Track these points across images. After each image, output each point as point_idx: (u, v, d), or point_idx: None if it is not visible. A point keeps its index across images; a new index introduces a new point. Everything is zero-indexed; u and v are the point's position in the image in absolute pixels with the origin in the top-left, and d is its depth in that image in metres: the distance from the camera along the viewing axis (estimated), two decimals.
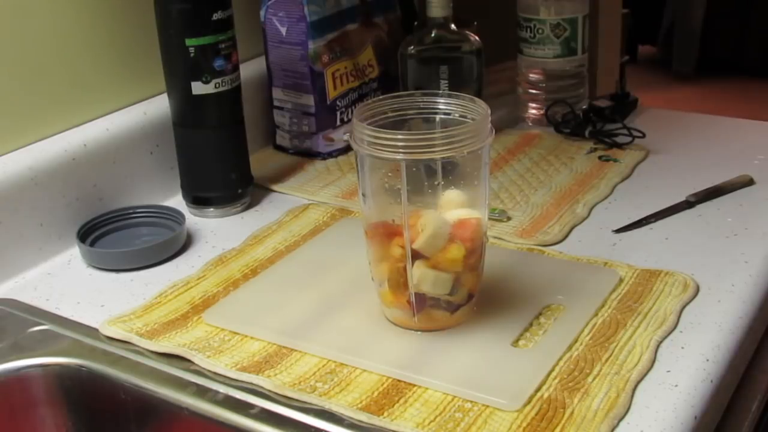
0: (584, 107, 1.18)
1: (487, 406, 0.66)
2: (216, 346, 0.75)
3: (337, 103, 1.11)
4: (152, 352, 0.75)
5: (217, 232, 0.96)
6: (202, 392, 0.71)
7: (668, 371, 0.70)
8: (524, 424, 0.64)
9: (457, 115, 0.75)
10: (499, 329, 0.74)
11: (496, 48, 1.19)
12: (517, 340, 0.74)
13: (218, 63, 0.94)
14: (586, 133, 1.12)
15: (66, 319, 0.81)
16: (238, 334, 0.77)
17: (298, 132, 1.12)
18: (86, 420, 0.78)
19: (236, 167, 1.00)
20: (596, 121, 1.14)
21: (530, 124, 1.20)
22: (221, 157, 0.98)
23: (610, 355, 0.71)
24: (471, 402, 0.67)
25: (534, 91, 1.20)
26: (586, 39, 1.17)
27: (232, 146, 0.99)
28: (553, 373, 0.70)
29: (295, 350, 0.74)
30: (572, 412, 0.65)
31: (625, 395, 0.67)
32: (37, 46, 0.91)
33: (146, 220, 0.96)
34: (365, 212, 0.75)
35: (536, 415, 0.65)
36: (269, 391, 0.70)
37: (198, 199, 0.99)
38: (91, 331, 0.79)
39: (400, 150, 0.68)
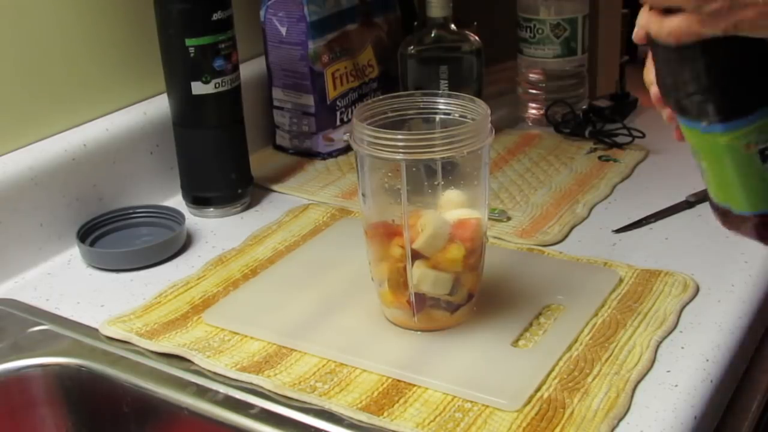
0: (584, 107, 1.18)
1: (487, 406, 0.66)
2: (216, 346, 0.75)
3: (337, 103, 1.11)
4: (152, 352, 0.75)
5: (217, 232, 0.96)
6: (202, 392, 0.71)
7: (668, 371, 0.70)
8: (524, 424, 0.64)
9: (457, 115, 0.75)
10: (499, 329, 0.74)
11: (496, 48, 1.19)
12: (517, 340, 0.74)
13: (218, 63, 0.94)
14: (586, 133, 1.12)
15: (66, 319, 0.81)
16: (238, 334, 0.77)
17: (298, 132, 1.12)
18: (86, 420, 0.78)
19: (236, 167, 1.00)
20: (596, 121, 1.14)
21: (530, 124, 1.20)
22: (221, 157, 0.98)
23: (610, 355, 0.71)
24: (471, 402, 0.67)
25: (534, 91, 1.20)
26: (586, 39, 1.17)
27: (232, 146, 0.99)
28: (553, 373, 0.70)
29: (295, 350, 0.74)
30: (572, 412, 0.65)
31: (625, 395, 0.67)
32: (37, 46, 0.91)
33: (146, 220, 0.96)
34: (365, 212, 0.75)
35: (536, 415, 0.65)
36: (269, 391, 0.70)
37: (198, 199, 0.99)
38: (91, 331, 0.79)
39: (400, 150, 0.68)
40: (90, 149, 0.94)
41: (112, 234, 0.94)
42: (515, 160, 1.09)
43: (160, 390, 0.72)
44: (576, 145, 1.12)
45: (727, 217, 0.66)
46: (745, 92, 0.59)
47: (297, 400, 0.68)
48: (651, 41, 0.61)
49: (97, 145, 0.95)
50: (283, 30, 1.08)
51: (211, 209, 0.99)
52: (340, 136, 1.12)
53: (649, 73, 0.64)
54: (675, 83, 0.61)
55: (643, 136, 1.10)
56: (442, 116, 0.75)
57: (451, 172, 0.72)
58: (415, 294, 0.73)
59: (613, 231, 0.91)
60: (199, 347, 0.75)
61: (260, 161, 1.10)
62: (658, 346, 0.72)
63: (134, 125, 0.99)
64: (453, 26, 1.08)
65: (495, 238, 0.90)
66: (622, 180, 1.03)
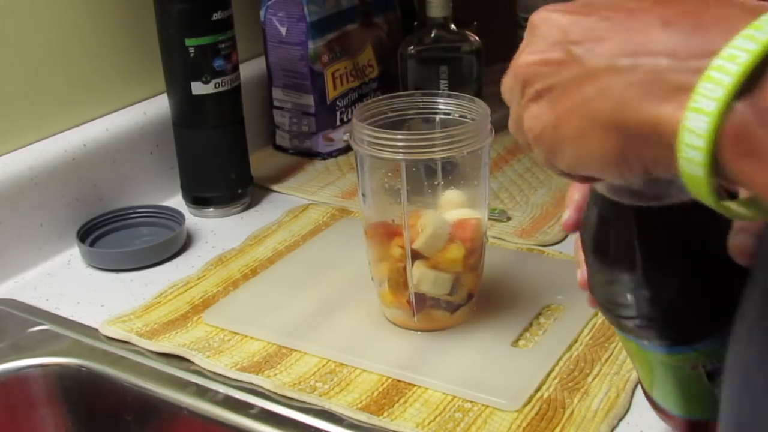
0: None
1: (487, 406, 0.66)
2: (216, 346, 0.75)
3: (337, 103, 1.11)
4: (152, 352, 0.75)
5: (217, 232, 0.96)
6: (202, 392, 0.71)
7: None
8: (524, 424, 0.64)
9: (456, 115, 0.75)
10: (499, 329, 0.74)
11: (496, 48, 1.19)
12: (517, 340, 0.74)
13: (218, 63, 0.94)
14: None
15: (66, 319, 0.81)
16: (237, 334, 0.77)
17: (298, 132, 1.12)
18: (86, 420, 0.78)
19: (236, 167, 1.00)
20: None
21: None
22: (221, 157, 0.98)
23: (610, 355, 0.71)
24: (471, 402, 0.67)
25: None
26: None
27: (232, 146, 0.99)
28: (553, 373, 0.70)
29: (295, 350, 0.74)
30: (572, 412, 0.65)
31: (624, 395, 0.67)
32: (37, 46, 0.91)
33: (146, 220, 0.96)
34: (365, 212, 0.75)
35: (536, 415, 0.65)
36: (269, 391, 0.70)
37: (198, 199, 0.99)
38: (91, 331, 0.79)
39: (400, 150, 0.69)
40: (90, 149, 0.94)
41: (112, 234, 0.94)
42: (515, 160, 1.09)
43: (160, 390, 0.72)
44: None
45: (657, 409, 0.57)
46: (693, 323, 0.48)
47: (297, 400, 0.68)
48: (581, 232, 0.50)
49: (97, 145, 0.95)
50: (283, 30, 1.08)
51: (211, 209, 0.99)
52: (340, 136, 1.12)
53: (578, 252, 0.52)
54: (609, 300, 0.50)
55: None
56: (442, 116, 0.75)
57: (451, 172, 0.72)
58: (415, 294, 0.73)
59: None
60: (199, 347, 0.75)
61: (260, 161, 1.10)
62: None
63: (134, 125, 0.99)
64: (453, 26, 1.08)
65: (495, 238, 0.90)
66: None
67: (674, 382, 0.52)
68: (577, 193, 0.51)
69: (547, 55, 0.38)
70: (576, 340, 0.73)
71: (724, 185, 0.34)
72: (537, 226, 0.92)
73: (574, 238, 0.88)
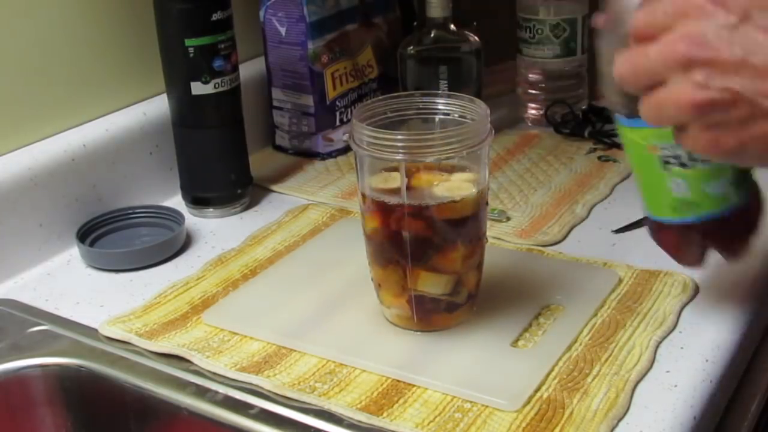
0: (584, 107, 1.18)
1: (487, 407, 0.66)
2: (215, 347, 0.75)
3: (337, 103, 1.11)
4: (151, 352, 0.75)
5: (217, 232, 0.96)
6: (201, 392, 0.71)
7: (667, 371, 0.70)
8: (523, 425, 0.64)
9: (456, 115, 0.75)
10: (499, 329, 0.74)
11: (496, 48, 1.19)
12: (517, 341, 0.74)
13: (217, 63, 0.94)
14: (586, 133, 1.12)
15: (65, 319, 0.81)
16: (237, 334, 0.77)
17: (297, 132, 1.12)
18: (86, 420, 0.78)
19: (235, 167, 1.00)
20: (596, 122, 1.14)
21: (530, 124, 1.20)
22: (221, 157, 0.99)
23: (610, 356, 0.71)
24: (470, 402, 0.67)
25: (533, 92, 1.20)
26: (585, 39, 1.17)
27: (231, 146, 0.99)
28: (553, 374, 0.70)
29: (295, 350, 0.74)
30: (571, 413, 0.65)
31: (624, 395, 0.67)
32: (36, 46, 0.91)
33: (146, 221, 0.96)
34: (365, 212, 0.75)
35: (535, 415, 0.65)
36: (269, 391, 0.70)
37: (197, 200, 0.99)
38: (91, 332, 0.79)
39: (400, 150, 0.69)
40: (90, 149, 0.94)
41: (112, 234, 0.94)
42: (515, 160, 1.09)
43: (160, 390, 0.72)
44: (575, 146, 1.12)
45: (650, 227, 0.72)
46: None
47: (296, 401, 0.68)
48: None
49: (97, 145, 0.95)
50: (283, 30, 1.08)
51: (211, 209, 0.99)
52: (339, 137, 1.12)
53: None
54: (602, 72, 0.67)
55: None
56: (442, 116, 0.75)
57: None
58: (415, 294, 0.73)
59: (612, 231, 0.91)
60: (198, 347, 0.75)
61: (260, 161, 1.10)
62: (657, 347, 0.72)
63: (134, 125, 0.99)
64: (452, 26, 1.08)
65: (495, 238, 0.90)
66: (622, 180, 1.03)
67: (638, 164, 0.68)
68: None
69: (713, 97, 0.50)
70: (575, 341, 0.73)
71: None
72: (536, 227, 0.92)
73: (574, 239, 0.87)
